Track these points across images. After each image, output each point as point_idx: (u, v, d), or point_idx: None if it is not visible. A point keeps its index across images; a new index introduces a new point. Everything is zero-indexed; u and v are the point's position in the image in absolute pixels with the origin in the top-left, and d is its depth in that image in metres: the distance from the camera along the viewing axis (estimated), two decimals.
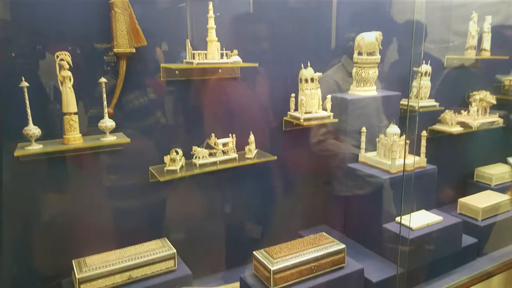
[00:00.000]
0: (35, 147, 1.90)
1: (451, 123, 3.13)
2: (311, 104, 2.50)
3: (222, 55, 2.25)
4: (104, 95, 2.01)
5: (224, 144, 2.36)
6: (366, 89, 2.74)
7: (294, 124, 2.55)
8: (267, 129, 2.60)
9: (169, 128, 2.29)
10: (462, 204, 3.00)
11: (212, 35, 2.20)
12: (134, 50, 2.03)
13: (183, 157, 2.27)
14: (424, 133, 2.69)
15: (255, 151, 2.48)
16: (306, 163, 2.78)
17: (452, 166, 3.26)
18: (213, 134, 2.36)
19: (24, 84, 1.84)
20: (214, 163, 2.31)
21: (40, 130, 1.92)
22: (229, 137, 2.40)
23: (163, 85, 2.22)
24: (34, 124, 1.91)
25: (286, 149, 2.67)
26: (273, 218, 2.75)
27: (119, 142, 2.05)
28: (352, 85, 2.81)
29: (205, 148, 2.31)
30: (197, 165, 2.26)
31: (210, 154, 2.32)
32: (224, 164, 2.33)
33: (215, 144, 2.34)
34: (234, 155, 2.39)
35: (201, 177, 2.32)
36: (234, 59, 2.26)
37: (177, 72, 2.21)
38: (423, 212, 2.70)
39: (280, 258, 2.12)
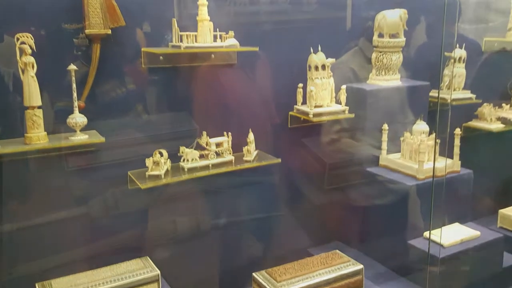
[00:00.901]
0: None
1: (490, 118, 3.13)
2: (322, 96, 2.50)
3: (215, 37, 2.25)
4: (74, 85, 2.00)
5: (218, 144, 2.36)
6: (388, 78, 2.74)
7: (301, 120, 2.55)
8: (270, 127, 2.61)
9: (151, 125, 2.29)
10: (503, 216, 3.00)
11: (203, 13, 2.20)
12: (109, 32, 2.03)
13: (168, 159, 2.27)
14: (457, 131, 2.69)
15: (255, 153, 2.48)
16: (316, 167, 2.79)
17: (492, 171, 3.24)
18: (204, 133, 2.36)
19: None
20: (206, 167, 2.31)
21: None
22: (223, 136, 2.40)
23: (145, 74, 2.23)
24: None
25: (292, 150, 2.67)
26: (277, 233, 2.75)
27: (91, 141, 2.05)
28: (372, 74, 2.81)
29: (195, 149, 2.31)
30: (186, 170, 2.26)
31: (201, 156, 2.32)
32: (217, 168, 2.33)
33: (207, 144, 2.34)
34: (229, 157, 2.39)
35: (191, 184, 2.33)
36: (230, 42, 2.25)
37: (161, 57, 2.21)
38: (456, 225, 2.70)
39: (285, 281, 2.12)
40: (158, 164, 2.22)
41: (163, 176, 2.20)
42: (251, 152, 2.45)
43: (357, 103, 2.66)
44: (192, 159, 2.29)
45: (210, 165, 2.33)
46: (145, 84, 2.25)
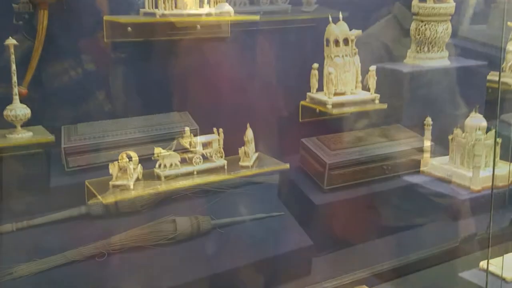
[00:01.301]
0: None
1: None
2: (344, 80, 2.50)
3: (201, 1, 2.26)
4: (14, 66, 2.00)
5: (206, 145, 2.36)
6: (432, 56, 2.76)
7: (317, 112, 2.55)
8: (274, 121, 2.61)
9: (117, 119, 2.30)
10: None
11: None
12: None
13: (139, 165, 2.26)
14: None
15: (254, 156, 2.47)
16: (335, 174, 2.76)
17: None
18: (187, 129, 2.34)
19: None
20: (189, 175, 2.31)
21: None
22: (213, 133, 2.39)
23: (108, 50, 2.24)
24: None
25: (304, 152, 2.64)
26: (284, 263, 2.70)
27: (37, 141, 2.06)
28: (410, 50, 2.83)
29: (174, 151, 2.30)
30: (162, 178, 2.26)
31: (183, 161, 2.32)
32: (204, 176, 2.33)
33: (190, 145, 2.33)
34: (221, 161, 2.39)
35: (169, 197, 2.32)
36: (222, 8, 2.26)
37: (129, 29, 2.23)
38: None
39: None
40: (126, 171, 2.21)
41: (131, 187, 2.19)
42: (249, 154, 2.44)
43: (391, 89, 2.67)
44: (171, 165, 2.28)
45: (195, 172, 2.32)
46: (109, 64, 2.28)
